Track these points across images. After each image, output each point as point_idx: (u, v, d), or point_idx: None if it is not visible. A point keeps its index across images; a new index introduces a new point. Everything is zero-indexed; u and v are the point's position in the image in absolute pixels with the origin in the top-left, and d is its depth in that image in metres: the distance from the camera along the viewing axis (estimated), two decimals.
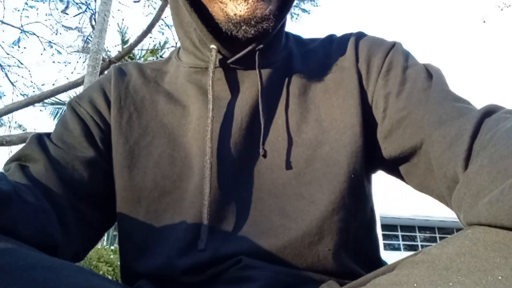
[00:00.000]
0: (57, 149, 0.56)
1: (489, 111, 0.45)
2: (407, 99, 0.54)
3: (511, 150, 0.36)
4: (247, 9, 0.51)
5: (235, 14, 0.52)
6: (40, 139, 0.57)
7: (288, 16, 0.61)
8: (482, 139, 0.42)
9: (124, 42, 8.85)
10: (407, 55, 0.59)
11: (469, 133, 0.43)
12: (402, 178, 0.57)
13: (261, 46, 0.56)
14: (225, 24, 0.53)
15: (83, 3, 6.13)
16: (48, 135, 0.59)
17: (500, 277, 0.29)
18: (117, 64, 0.67)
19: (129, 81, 0.63)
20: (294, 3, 0.58)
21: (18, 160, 0.55)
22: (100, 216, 0.59)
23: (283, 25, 0.61)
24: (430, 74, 0.55)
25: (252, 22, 0.52)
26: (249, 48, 0.56)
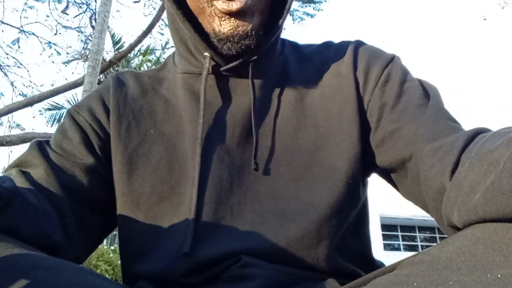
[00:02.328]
0: (57, 156, 0.57)
1: (482, 131, 0.46)
2: (402, 112, 0.55)
3: (498, 143, 0.37)
4: (230, 26, 0.53)
5: (219, 31, 0.54)
6: (40, 145, 0.58)
7: (290, 20, 0.61)
8: (470, 149, 0.43)
9: (115, 42, 8.83)
10: (405, 70, 0.60)
11: (459, 148, 0.44)
12: (392, 184, 0.59)
13: (255, 57, 0.57)
14: (212, 37, 0.55)
15: (83, 3, 6.13)
16: (47, 142, 0.60)
17: (499, 275, 0.29)
18: (114, 73, 0.69)
19: (127, 91, 0.64)
20: (292, 10, 0.58)
21: (18, 166, 0.56)
22: (100, 221, 0.60)
23: (278, 34, 0.61)
24: (427, 91, 0.57)
25: (235, 39, 0.54)
26: (242, 59, 0.57)
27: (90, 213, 0.58)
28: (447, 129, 0.49)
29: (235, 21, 0.53)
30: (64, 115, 0.68)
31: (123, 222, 0.57)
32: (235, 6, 0.51)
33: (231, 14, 0.52)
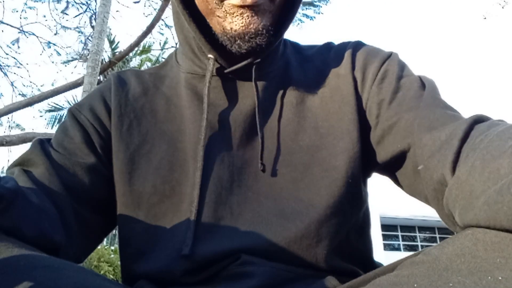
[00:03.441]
0: (59, 155, 0.57)
1: (481, 118, 0.46)
2: (399, 106, 0.55)
3: (502, 151, 0.36)
4: (242, 24, 0.53)
5: (231, 29, 0.53)
6: (42, 144, 0.58)
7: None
8: (473, 142, 0.42)
9: (111, 42, 8.84)
10: (402, 66, 0.60)
11: (459, 137, 0.44)
12: (395, 181, 0.59)
13: (258, 60, 0.57)
14: (221, 37, 0.55)
15: (83, 3, 6.13)
16: (49, 140, 0.60)
17: (500, 278, 0.29)
18: (115, 72, 0.68)
19: (129, 90, 0.64)
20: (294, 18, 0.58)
21: (21, 164, 0.56)
22: (101, 220, 0.60)
23: (281, 37, 0.61)
24: (424, 84, 0.56)
25: (246, 37, 0.53)
26: (246, 61, 0.57)
27: (91, 212, 0.58)
28: (444, 117, 0.49)
29: (248, 17, 0.52)
30: (64, 116, 0.67)
31: (123, 221, 0.57)
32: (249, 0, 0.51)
33: (244, 7, 0.52)
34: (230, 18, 0.53)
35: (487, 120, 0.46)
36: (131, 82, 0.65)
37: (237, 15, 0.52)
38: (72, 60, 7.09)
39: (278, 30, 0.58)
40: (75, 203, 0.55)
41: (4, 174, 0.55)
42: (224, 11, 0.53)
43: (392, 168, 0.57)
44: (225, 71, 0.59)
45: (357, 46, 0.64)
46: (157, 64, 0.72)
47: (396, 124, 0.54)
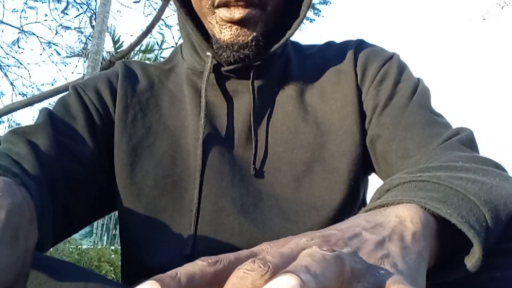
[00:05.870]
0: (63, 137, 0.55)
1: (456, 133, 0.48)
2: (388, 117, 0.55)
3: None
4: (230, 35, 0.53)
5: (220, 38, 0.54)
6: (52, 119, 0.56)
7: None
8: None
9: (115, 42, 8.80)
10: (402, 69, 0.60)
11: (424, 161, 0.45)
12: None
13: (258, 62, 0.57)
14: (212, 41, 0.56)
15: (83, 3, 6.13)
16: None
17: (498, 275, 0.29)
18: (122, 61, 0.68)
19: (135, 81, 0.64)
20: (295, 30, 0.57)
21: (27, 134, 0.53)
22: (84, 213, 0.59)
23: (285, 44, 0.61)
24: (416, 93, 0.57)
25: (235, 48, 0.54)
26: (244, 63, 0.57)
27: (79, 203, 0.56)
28: (420, 140, 0.50)
29: (236, 30, 0.53)
30: None
31: (124, 213, 0.57)
32: (237, 15, 0.51)
33: (232, 22, 0.52)
34: (218, 28, 0.54)
35: (460, 133, 0.47)
36: (137, 74, 0.65)
37: (226, 28, 0.53)
38: (72, 56, 7.05)
39: (279, 34, 0.57)
40: (68, 192, 0.54)
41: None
42: (215, 20, 0.53)
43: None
44: (222, 69, 0.59)
45: (360, 44, 0.64)
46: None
47: (379, 137, 0.55)
